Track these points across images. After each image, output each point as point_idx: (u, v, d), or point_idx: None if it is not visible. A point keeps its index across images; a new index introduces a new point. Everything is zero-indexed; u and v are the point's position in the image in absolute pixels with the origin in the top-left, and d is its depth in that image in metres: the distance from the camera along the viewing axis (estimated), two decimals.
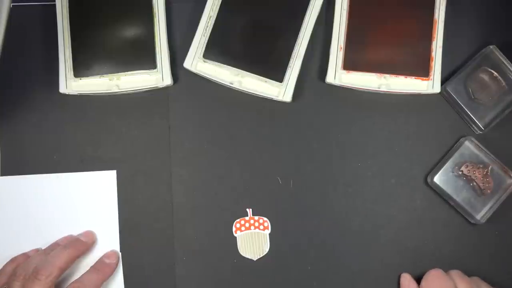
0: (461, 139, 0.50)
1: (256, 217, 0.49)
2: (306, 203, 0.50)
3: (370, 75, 0.49)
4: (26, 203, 0.49)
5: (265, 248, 0.49)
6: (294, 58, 0.49)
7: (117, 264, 0.48)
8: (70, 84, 0.49)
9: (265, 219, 0.49)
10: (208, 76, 0.49)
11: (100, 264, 0.47)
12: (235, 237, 0.49)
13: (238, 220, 0.49)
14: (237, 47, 0.49)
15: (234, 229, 0.49)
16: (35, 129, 0.50)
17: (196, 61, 0.49)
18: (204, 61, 0.49)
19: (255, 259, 0.49)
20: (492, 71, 0.50)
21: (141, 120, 0.51)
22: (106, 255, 0.48)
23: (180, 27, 0.51)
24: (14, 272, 0.43)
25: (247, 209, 0.50)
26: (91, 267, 0.46)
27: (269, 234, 0.49)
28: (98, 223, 0.49)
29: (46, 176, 0.49)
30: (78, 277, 0.45)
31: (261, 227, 0.49)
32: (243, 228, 0.49)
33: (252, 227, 0.49)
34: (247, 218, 0.49)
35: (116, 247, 0.49)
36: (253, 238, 0.49)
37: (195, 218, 0.50)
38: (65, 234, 0.49)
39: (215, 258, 0.49)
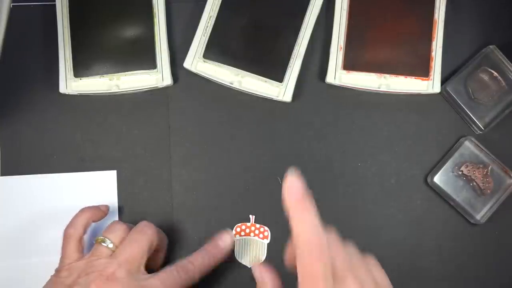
0: (461, 139, 0.50)
1: (258, 225, 0.49)
2: None
3: (370, 75, 0.49)
4: (26, 203, 0.49)
5: (262, 257, 0.49)
6: (294, 58, 0.49)
7: (230, 249, 0.44)
8: (70, 84, 0.49)
9: (266, 228, 0.49)
10: (208, 76, 0.49)
11: (213, 248, 0.44)
12: (233, 241, 0.49)
13: (239, 224, 0.49)
14: (237, 47, 0.49)
15: (234, 232, 0.49)
16: (35, 129, 0.50)
17: (196, 61, 0.49)
18: (204, 61, 0.49)
19: (249, 266, 0.49)
20: (492, 71, 0.50)
21: (141, 120, 0.51)
22: (220, 237, 0.45)
23: (180, 27, 0.51)
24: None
25: (250, 216, 0.49)
26: (204, 248, 0.44)
27: (268, 244, 0.49)
28: (98, 224, 0.49)
29: (46, 176, 0.49)
30: None
31: (261, 235, 0.49)
32: (242, 233, 0.49)
33: (252, 234, 0.49)
34: (248, 224, 0.49)
35: None
36: (251, 245, 0.49)
37: (195, 218, 0.49)
38: None
39: None
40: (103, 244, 0.42)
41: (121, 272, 0.39)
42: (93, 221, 0.45)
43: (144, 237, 0.42)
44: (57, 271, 0.42)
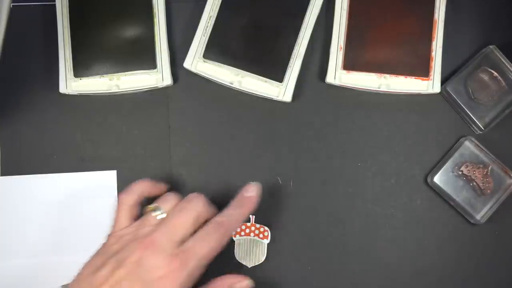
0: (461, 139, 0.50)
1: (258, 225, 0.49)
2: (306, 203, 0.50)
3: (370, 75, 0.49)
4: (26, 203, 0.49)
5: (261, 257, 0.49)
6: (294, 58, 0.49)
7: (257, 197, 0.45)
8: (70, 84, 0.49)
9: (266, 228, 0.49)
10: (208, 76, 0.49)
11: (240, 199, 0.44)
12: (233, 240, 0.49)
13: None
14: (237, 47, 0.49)
15: (233, 232, 0.49)
16: (35, 129, 0.50)
17: (196, 61, 0.49)
18: (204, 61, 0.49)
19: (249, 266, 0.49)
20: (492, 71, 0.50)
21: (141, 120, 0.51)
22: (245, 189, 0.45)
23: (180, 27, 0.51)
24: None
25: (250, 216, 0.49)
26: (232, 203, 0.44)
27: (268, 244, 0.49)
28: (98, 223, 0.49)
29: (46, 176, 0.49)
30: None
31: (261, 235, 0.49)
32: (242, 233, 0.49)
33: (252, 234, 0.49)
34: (248, 224, 0.49)
35: None
36: (251, 245, 0.49)
37: None
38: (65, 235, 0.49)
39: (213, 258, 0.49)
40: (155, 212, 0.42)
41: (163, 239, 0.39)
42: (148, 195, 0.45)
43: (192, 207, 0.42)
44: (107, 236, 0.42)
